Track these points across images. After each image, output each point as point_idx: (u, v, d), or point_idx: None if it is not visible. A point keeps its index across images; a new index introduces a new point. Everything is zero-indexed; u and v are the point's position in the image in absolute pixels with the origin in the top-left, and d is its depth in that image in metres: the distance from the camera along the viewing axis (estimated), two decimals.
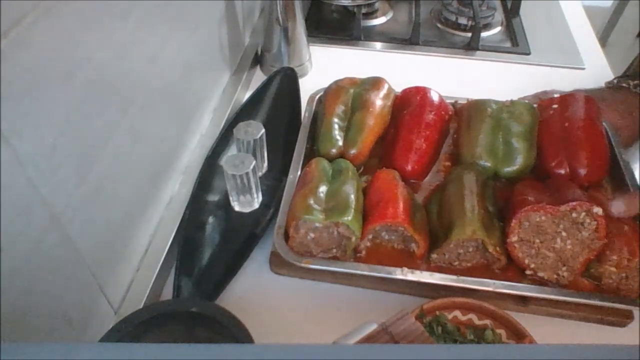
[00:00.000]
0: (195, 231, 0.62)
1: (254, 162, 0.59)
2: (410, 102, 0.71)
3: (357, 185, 0.61)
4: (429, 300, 0.54)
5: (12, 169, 0.36)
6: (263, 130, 0.65)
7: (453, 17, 1.03)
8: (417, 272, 0.56)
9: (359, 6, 1.01)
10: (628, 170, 0.66)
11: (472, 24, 0.99)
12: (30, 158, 0.37)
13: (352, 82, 0.75)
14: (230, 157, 0.60)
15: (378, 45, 1.00)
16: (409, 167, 0.66)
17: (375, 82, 0.73)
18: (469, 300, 0.54)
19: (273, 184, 0.68)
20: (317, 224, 0.56)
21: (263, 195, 0.65)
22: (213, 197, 0.66)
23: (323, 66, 0.93)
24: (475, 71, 0.94)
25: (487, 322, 0.54)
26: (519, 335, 0.52)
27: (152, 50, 0.55)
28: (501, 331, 0.53)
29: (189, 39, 0.66)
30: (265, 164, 0.69)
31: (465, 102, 0.73)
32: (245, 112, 0.76)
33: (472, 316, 0.55)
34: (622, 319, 0.56)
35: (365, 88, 0.72)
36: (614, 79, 0.79)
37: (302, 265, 0.56)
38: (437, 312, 0.54)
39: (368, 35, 1.01)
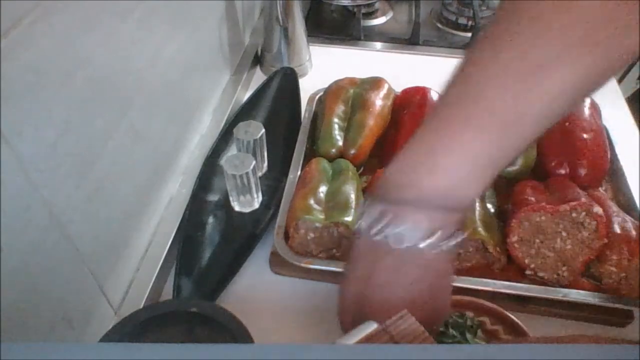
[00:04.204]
0: (195, 231, 0.62)
1: (254, 162, 0.59)
2: (410, 102, 0.71)
3: (357, 185, 0.61)
4: None
5: (12, 169, 0.36)
6: (263, 130, 0.65)
7: (453, 17, 1.03)
8: None
9: (359, 6, 1.01)
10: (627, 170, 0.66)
11: (472, 24, 0.99)
12: (30, 158, 0.37)
13: (352, 82, 0.75)
14: (230, 157, 0.60)
15: (378, 45, 0.99)
16: None
17: (375, 82, 0.73)
18: (462, 298, 0.54)
19: (273, 184, 0.68)
20: (317, 224, 0.56)
21: (263, 195, 0.65)
22: (213, 197, 0.66)
23: (323, 66, 0.93)
24: None
25: (485, 319, 0.54)
26: (517, 332, 0.52)
27: (152, 50, 0.55)
28: (498, 327, 0.53)
29: (189, 39, 0.66)
30: (265, 164, 0.69)
31: None
32: (245, 112, 0.76)
33: (470, 314, 0.54)
34: (622, 319, 0.56)
35: (365, 88, 0.72)
36: None
37: (302, 265, 0.56)
38: None
39: (368, 35, 1.01)
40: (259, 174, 0.68)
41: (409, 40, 0.99)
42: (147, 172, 0.58)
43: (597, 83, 0.36)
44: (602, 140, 0.66)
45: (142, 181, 0.58)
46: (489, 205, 0.61)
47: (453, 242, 0.41)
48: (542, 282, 0.56)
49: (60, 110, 0.40)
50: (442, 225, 0.41)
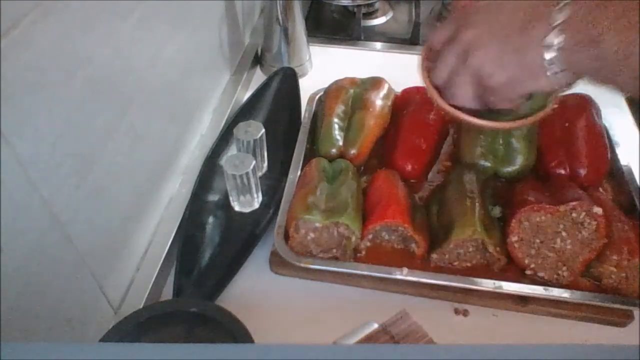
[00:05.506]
0: (195, 231, 0.62)
1: (254, 162, 0.59)
2: (410, 102, 0.71)
3: (357, 185, 0.61)
4: None
5: (12, 169, 0.36)
6: (263, 130, 0.65)
7: None
8: (417, 272, 0.56)
9: (359, 6, 1.01)
10: (627, 170, 0.66)
11: None
12: (30, 158, 0.37)
13: (352, 82, 0.74)
14: (230, 157, 0.60)
15: (378, 45, 0.99)
16: (409, 167, 0.66)
17: (375, 82, 0.73)
18: None
19: (273, 184, 0.68)
20: (317, 224, 0.56)
21: (263, 195, 0.65)
22: (213, 197, 0.66)
23: (323, 66, 0.93)
24: None
25: None
26: None
27: (152, 50, 0.55)
28: None
29: (189, 39, 0.66)
30: (265, 164, 0.69)
31: None
32: (245, 112, 0.76)
33: None
34: (622, 319, 0.56)
35: (365, 88, 0.72)
36: None
37: (302, 265, 0.56)
38: None
39: (368, 35, 1.01)
40: (259, 174, 0.68)
41: (409, 40, 0.99)
42: (147, 172, 0.58)
43: None
44: (602, 140, 0.66)
45: (142, 181, 0.58)
46: (489, 205, 0.61)
47: None
48: (542, 282, 0.56)
49: (60, 110, 0.40)
50: None
